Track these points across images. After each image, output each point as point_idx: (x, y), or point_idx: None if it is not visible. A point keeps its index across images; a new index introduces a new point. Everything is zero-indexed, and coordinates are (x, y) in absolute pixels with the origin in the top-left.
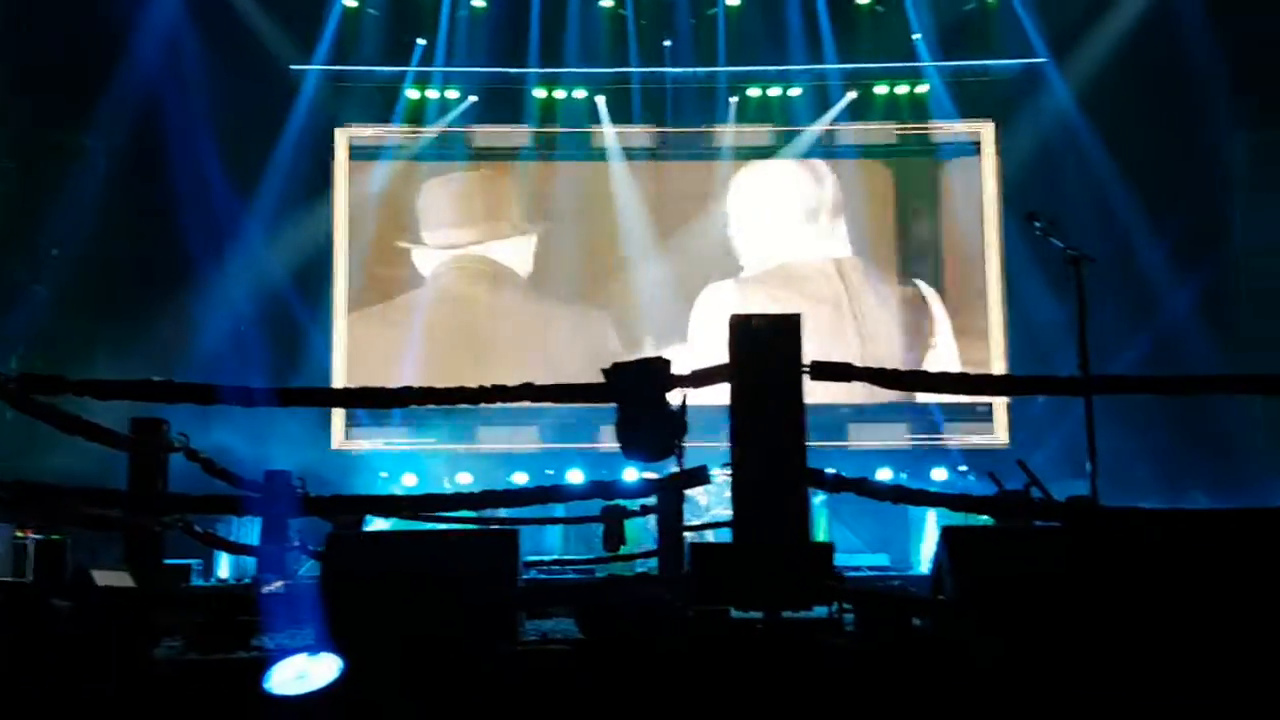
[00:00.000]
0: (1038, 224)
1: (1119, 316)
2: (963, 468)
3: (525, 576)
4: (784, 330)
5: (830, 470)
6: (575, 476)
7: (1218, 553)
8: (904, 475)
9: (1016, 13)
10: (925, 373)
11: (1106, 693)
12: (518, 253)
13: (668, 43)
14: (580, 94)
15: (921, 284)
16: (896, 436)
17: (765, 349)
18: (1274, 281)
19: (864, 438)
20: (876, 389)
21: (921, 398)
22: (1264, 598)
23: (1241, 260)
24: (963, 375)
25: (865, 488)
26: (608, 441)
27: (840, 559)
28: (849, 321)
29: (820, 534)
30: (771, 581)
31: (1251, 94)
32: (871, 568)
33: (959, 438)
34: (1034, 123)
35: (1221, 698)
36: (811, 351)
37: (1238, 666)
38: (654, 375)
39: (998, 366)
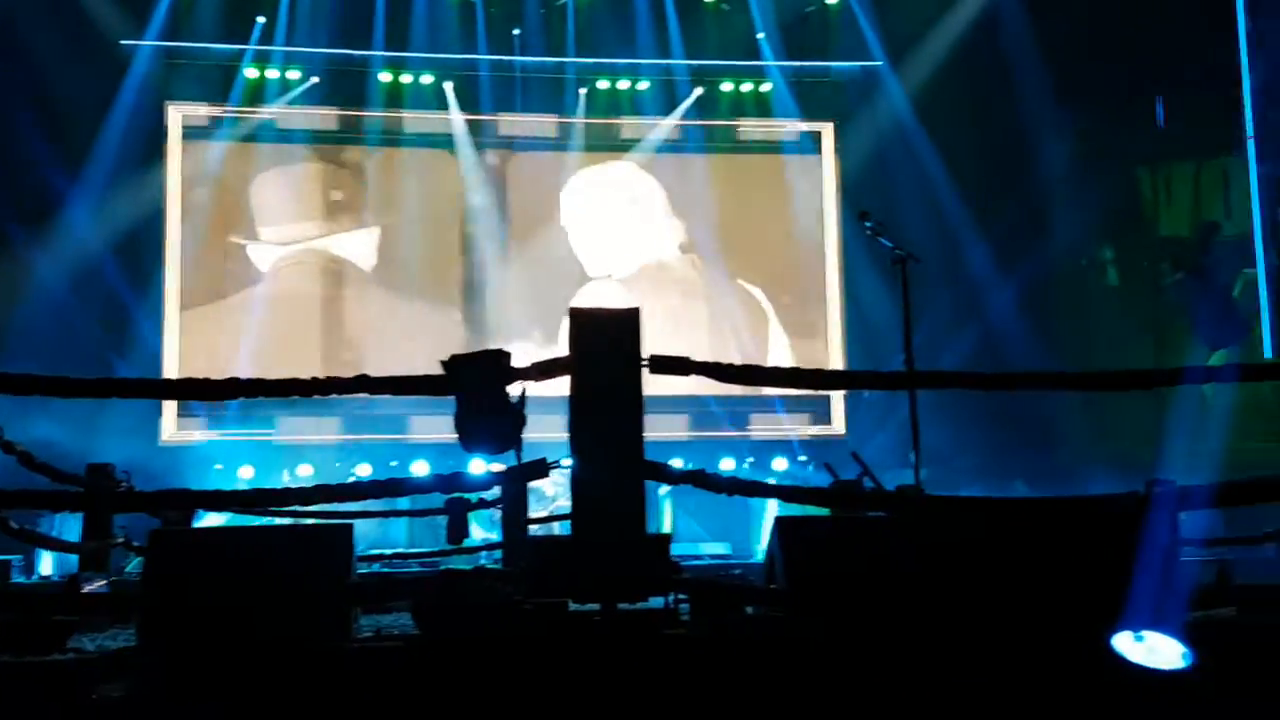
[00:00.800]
0: (868, 224)
1: (948, 313)
2: (803, 458)
3: (364, 571)
4: (624, 323)
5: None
6: (421, 468)
7: (1032, 538)
8: (747, 465)
9: (855, 16)
10: (759, 367)
11: (925, 672)
12: (361, 246)
13: (516, 31)
14: (427, 79)
15: (756, 280)
16: (740, 428)
17: (605, 342)
18: (1087, 281)
19: (708, 429)
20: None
21: (765, 390)
22: (1073, 579)
23: (1058, 261)
24: (794, 370)
25: (701, 479)
26: (451, 434)
27: (683, 548)
28: (698, 317)
29: (664, 524)
30: (608, 573)
31: (1069, 105)
32: (714, 556)
33: (799, 429)
34: (871, 124)
35: (1031, 672)
36: (661, 347)
37: (1045, 644)
38: (493, 367)
39: (836, 361)
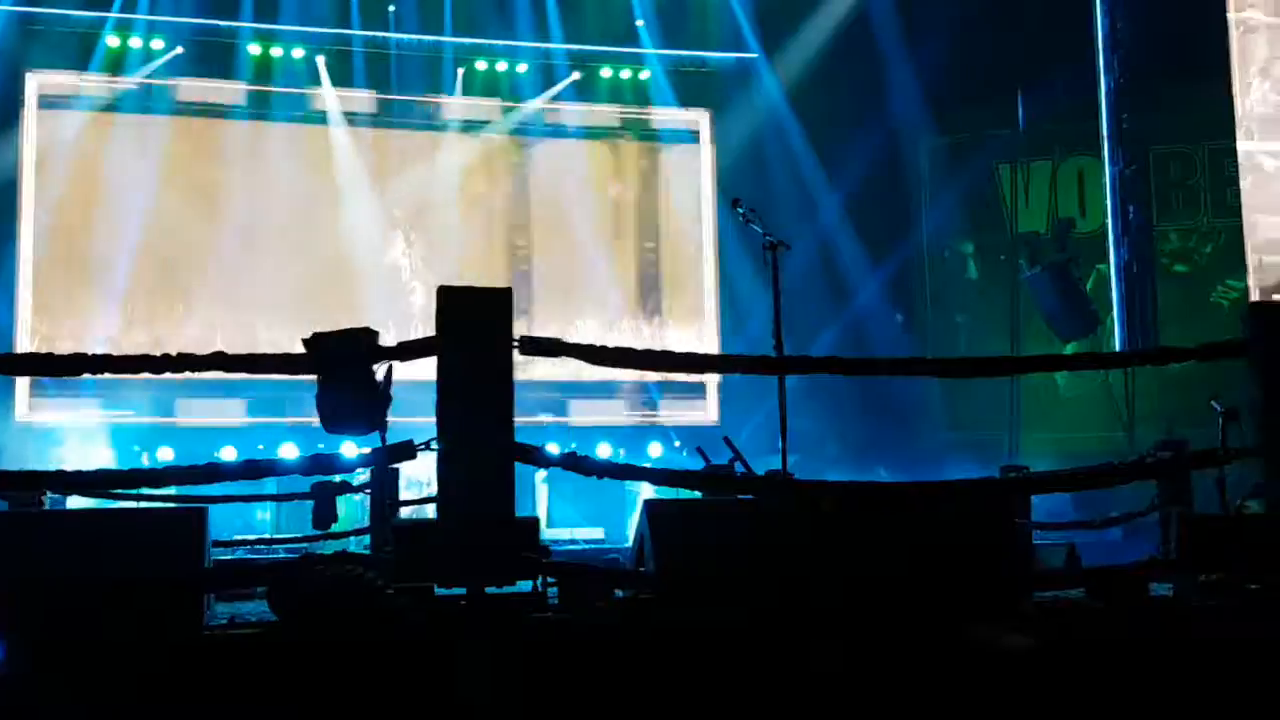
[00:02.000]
0: (740, 210)
1: (819, 302)
2: (677, 443)
3: (224, 556)
4: (494, 302)
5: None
6: (289, 451)
7: (891, 521)
8: (622, 450)
9: (732, 7)
10: (631, 350)
11: (789, 652)
12: (226, 223)
13: (392, 7)
14: (299, 53)
15: (634, 269)
16: (616, 413)
17: (474, 321)
18: (950, 273)
19: (585, 414)
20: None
21: (640, 375)
22: (929, 560)
23: (924, 254)
24: (665, 353)
25: (573, 463)
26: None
27: (558, 533)
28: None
29: (539, 508)
30: (474, 557)
31: (936, 101)
32: (589, 541)
33: (674, 414)
34: (747, 114)
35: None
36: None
37: (904, 623)
38: (357, 345)
39: (711, 347)
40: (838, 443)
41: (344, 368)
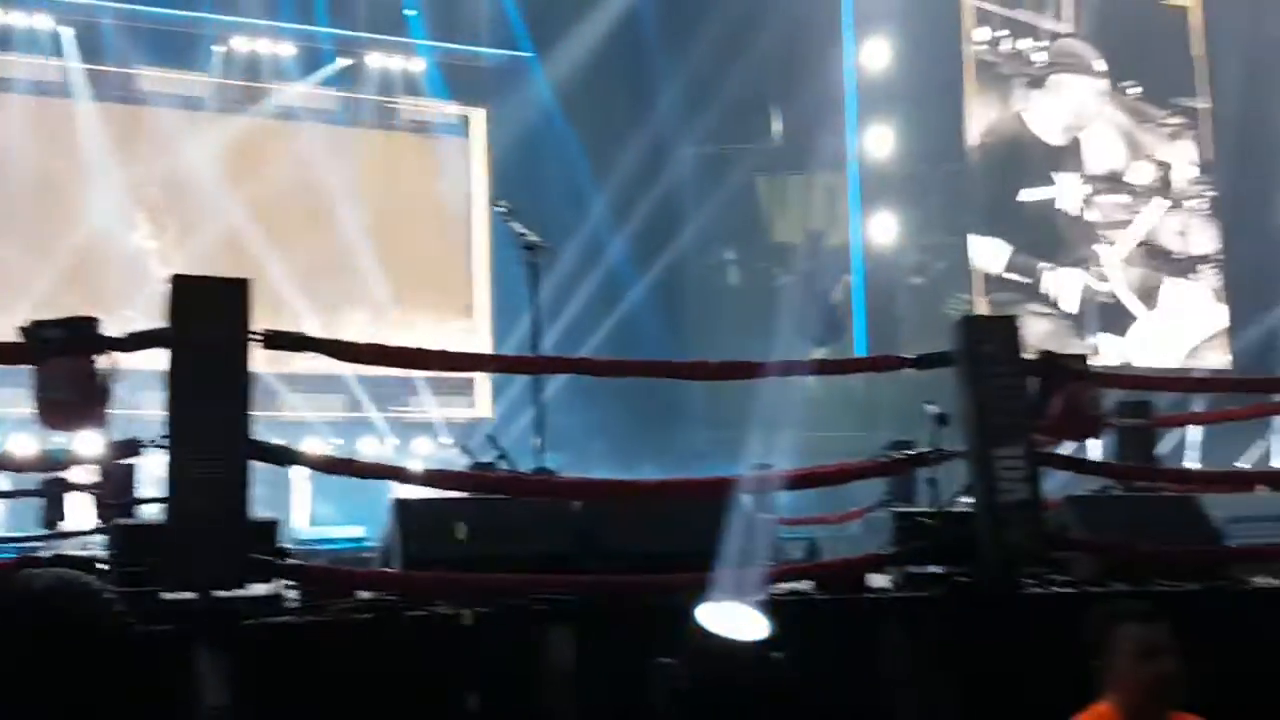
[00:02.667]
0: (500, 209)
1: (590, 300)
2: (446, 440)
3: None
4: (231, 293)
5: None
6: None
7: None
8: (390, 446)
9: (504, 5)
10: (383, 346)
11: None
12: None
13: None
14: (44, 22)
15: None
16: (383, 408)
17: (209, 313)
18: (712, 279)
19: (350, 408)
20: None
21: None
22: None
23: (688, 259)
24: (418, 350)
25: (302, 460)
26: None
27: (321, 531)
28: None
29: (297, 507)
30: (203, 560)
31: (699, 111)
32: (349, 539)
33: (444, 410)
34: (520, 112)
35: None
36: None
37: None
38: (78, 335)
39: (484, 342)
40: (605, 439)
41: (60, 358)
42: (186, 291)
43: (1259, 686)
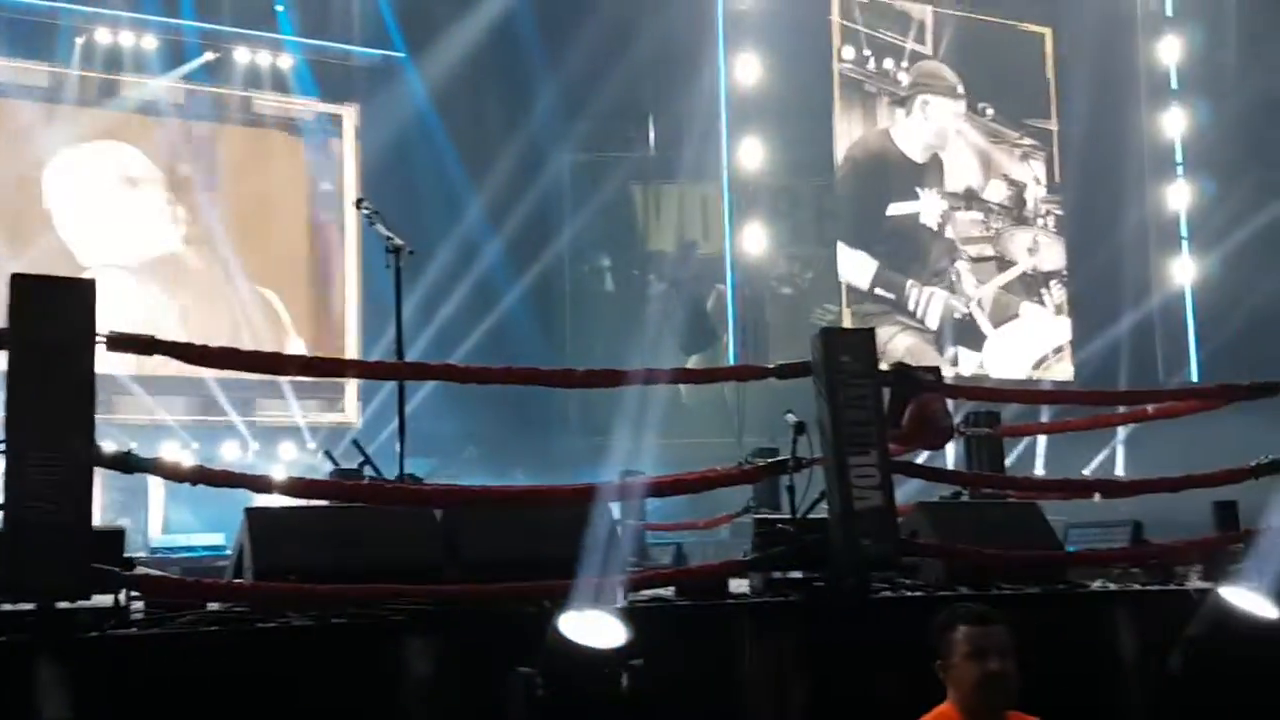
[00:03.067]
0: (364, 211)
1: (463, 304)
2: (312, 445)
3: None
4: (76, 294)
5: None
6: None
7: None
8: (252, 452)
9: (377, 2)
10: (235, 350)
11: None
12: None
13: None
14: None
15: (270, 265)
16: (246, 413)
17: (51, 314)
18: (588, 285)
19: (216, 412)
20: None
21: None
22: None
23: (564, 264)
24: (273, 354)
25: (151, 466)
26: None
27: (176, 539)
28: (216, 315)
29: (153, 514)
30: (45, 570)
31: (576, 118)
32: (206, 548)
33: (310, 415)
34: (393, 112)
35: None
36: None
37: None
38: None
39: (352, 349)
40: (477, 445)
41: None
42: (27, 291)
43: (1093, 686)
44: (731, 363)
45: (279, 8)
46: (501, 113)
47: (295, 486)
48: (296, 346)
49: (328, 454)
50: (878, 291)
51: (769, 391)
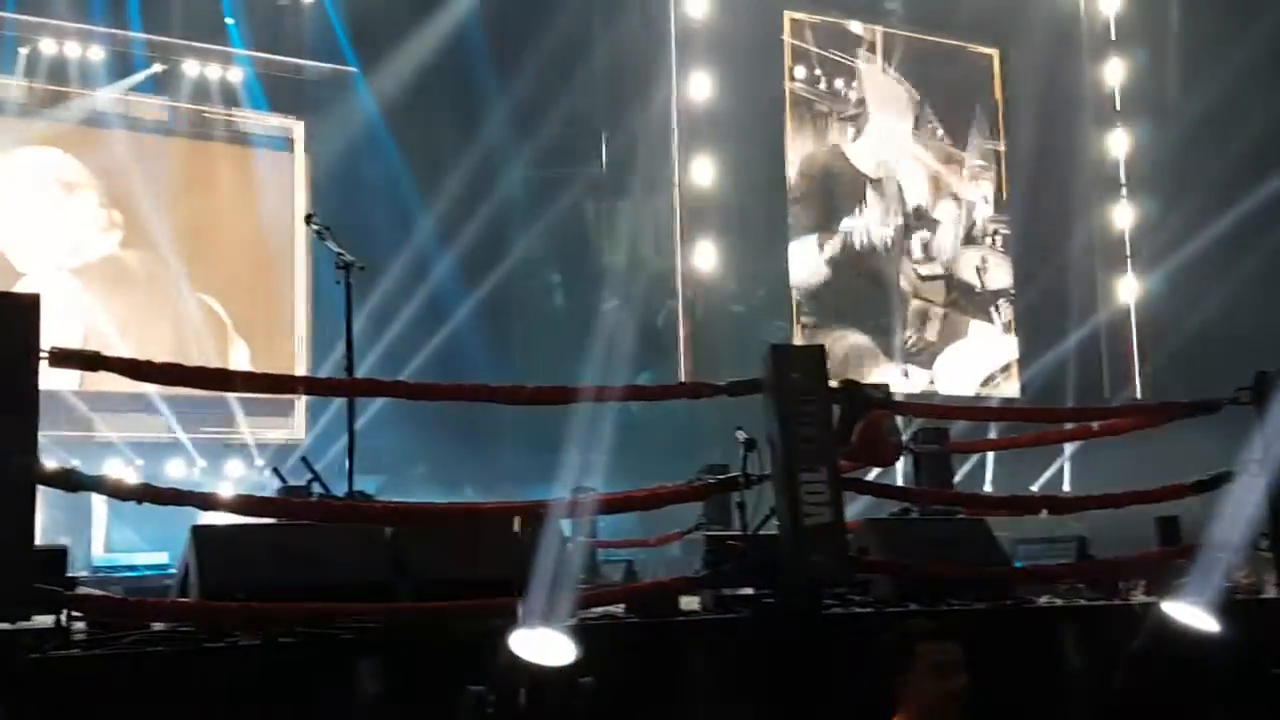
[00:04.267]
0: (314, 226)
1: (413, 320)
2: (260, 462)
3: None
4: (17, 310)
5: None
6: None
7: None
8: (198, 469)
9: (329, 16)
10: (179, 366)
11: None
12: None
13: None
14: None
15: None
16: (192, 428)
17: None
18: (539, 301)
19: (157, 429)
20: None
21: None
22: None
23: (515, 279)
24: (218, 370)
25: (95, 485)
26: None
27: (119, 557)
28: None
29: (97, 531)
30: None
31: (526, 132)
32: (149, 566)
33: (258, 430)
34: (343, 127)
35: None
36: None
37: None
38: None
39: (301, 364)
40: (427, 462)
41: None
42: None
43: (1040, 700)
44: (682, 378)
45: (229, 20)
46: (453, 127)
47: (243, 504)
48: (241, 354)
49: (275, 471)
50: (827, 305)
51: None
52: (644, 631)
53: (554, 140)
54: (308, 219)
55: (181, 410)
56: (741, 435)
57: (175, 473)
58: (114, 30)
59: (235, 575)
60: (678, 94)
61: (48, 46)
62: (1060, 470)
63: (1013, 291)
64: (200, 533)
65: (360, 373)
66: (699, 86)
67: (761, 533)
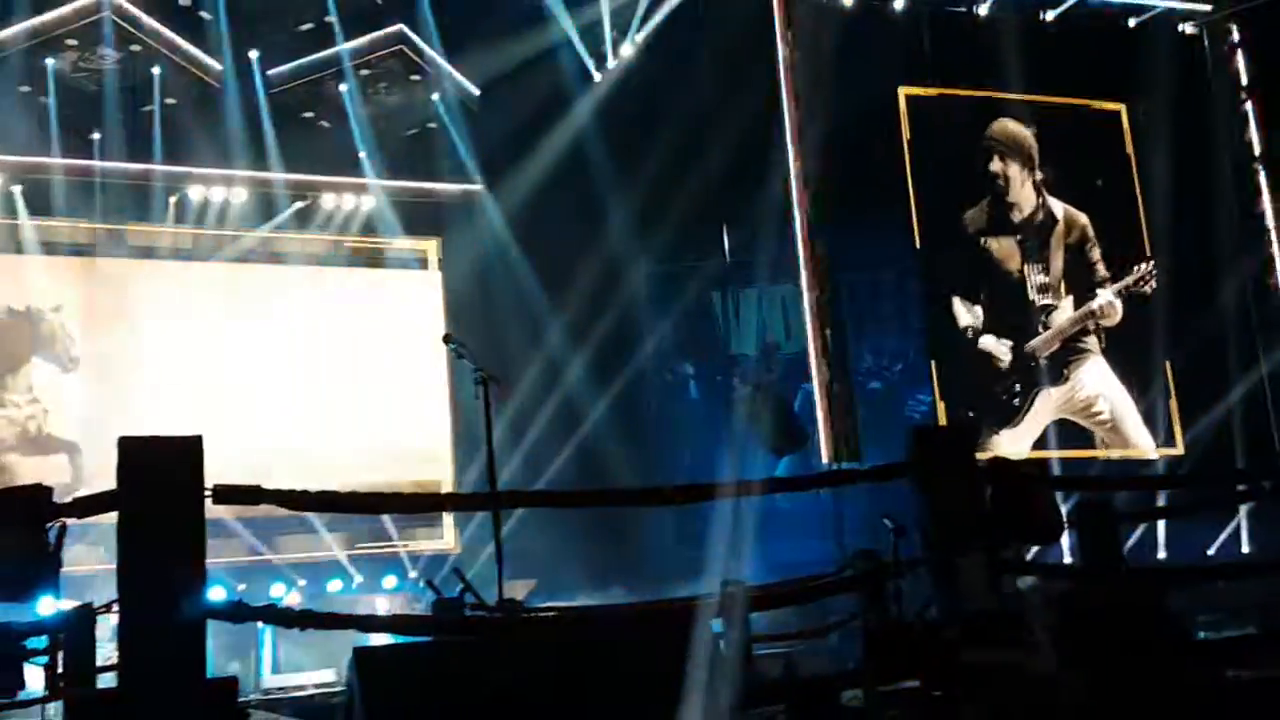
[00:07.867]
0: (451, 345)
1: (551, 424)
2: (414, 574)
3: None
4: (181, 452)
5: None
6: None
7: (616, 643)
8: (356, 583)
9: (453, 140)
10: (333, 493)
11: None
12: None
13: (96, 135)
14: None
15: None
16: (346, 545)
17: (158, 473)
18: (672, 394)
19: (315, 549)
20: None
21: None
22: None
23: (647, 376)
24: (373, 495)
25: (259, 615)
26: None
27: (288, 679)
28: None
29: (265, 653)
30: None
31: (650, 230)
32: (318, 686)
33: (410, 544)
34: (473, 243)
35: None
36: None
37: None
38: (28, 504)
39: (446, 477)
40: (575, 561)
41: (10, 527)
42: (134, 452)
43: None
44: (824, 463)
45: (360, 154)
46: (577, 233)
47: (397, 624)
48: (392, 473)
49: (429, 583)
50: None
51: (867, 489)
52: None
53: (675, 234)
54: (446, 338)
55: (336, 529)
56: (889, 523)
57: (335, 590)
58: (255, 172)
59: (397, 701)
60: (795, 177)
61: (194, 194)
62: (1237, 529)
63: (1165, 349)
64: (362, 655)
65: (502, 479)
66: (818, 163)
67: (922, 619)
